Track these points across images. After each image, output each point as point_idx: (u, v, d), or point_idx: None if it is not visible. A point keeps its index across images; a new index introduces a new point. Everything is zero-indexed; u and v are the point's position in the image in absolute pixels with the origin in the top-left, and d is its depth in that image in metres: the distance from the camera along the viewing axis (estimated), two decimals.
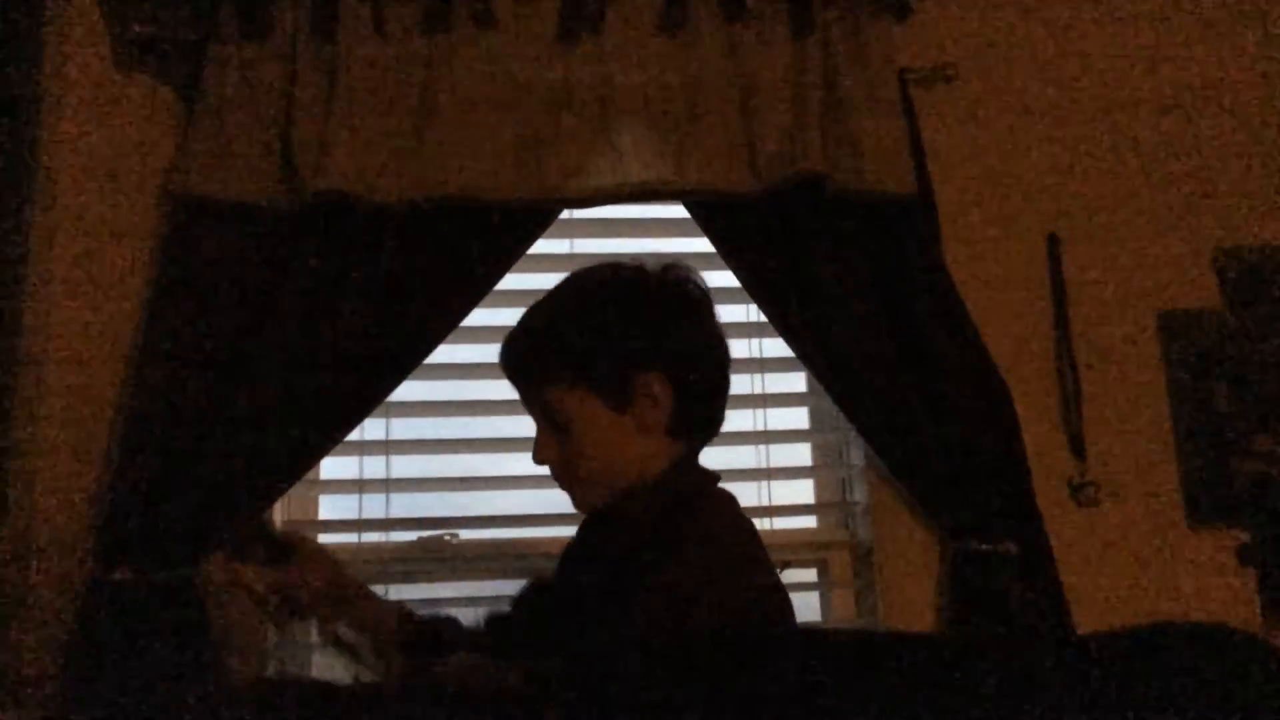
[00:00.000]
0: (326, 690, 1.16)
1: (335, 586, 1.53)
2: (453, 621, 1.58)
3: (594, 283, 1.37)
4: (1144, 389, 2.01)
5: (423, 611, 1.59)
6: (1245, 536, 1.95)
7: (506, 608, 1.54)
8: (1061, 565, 1.83)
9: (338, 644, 1.54)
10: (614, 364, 1.29)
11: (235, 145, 1.77)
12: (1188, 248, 2.08)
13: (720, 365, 1.37)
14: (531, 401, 1.36)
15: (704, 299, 1.37)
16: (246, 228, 1.77)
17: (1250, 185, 2.11)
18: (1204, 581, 1.93)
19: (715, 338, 1.36)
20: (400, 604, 1.61)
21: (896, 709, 0.64)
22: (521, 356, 1.36)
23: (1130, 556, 1.93)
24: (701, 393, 1.33)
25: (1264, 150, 2.13)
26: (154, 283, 1.77)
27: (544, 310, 1.37)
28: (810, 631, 1.44)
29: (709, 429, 1.38)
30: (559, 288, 1.39)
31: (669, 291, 1.34)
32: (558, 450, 1.33)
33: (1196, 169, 2.11)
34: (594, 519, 1.39)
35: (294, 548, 1.54)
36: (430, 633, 1.53)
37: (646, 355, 1.29)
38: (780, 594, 1.28)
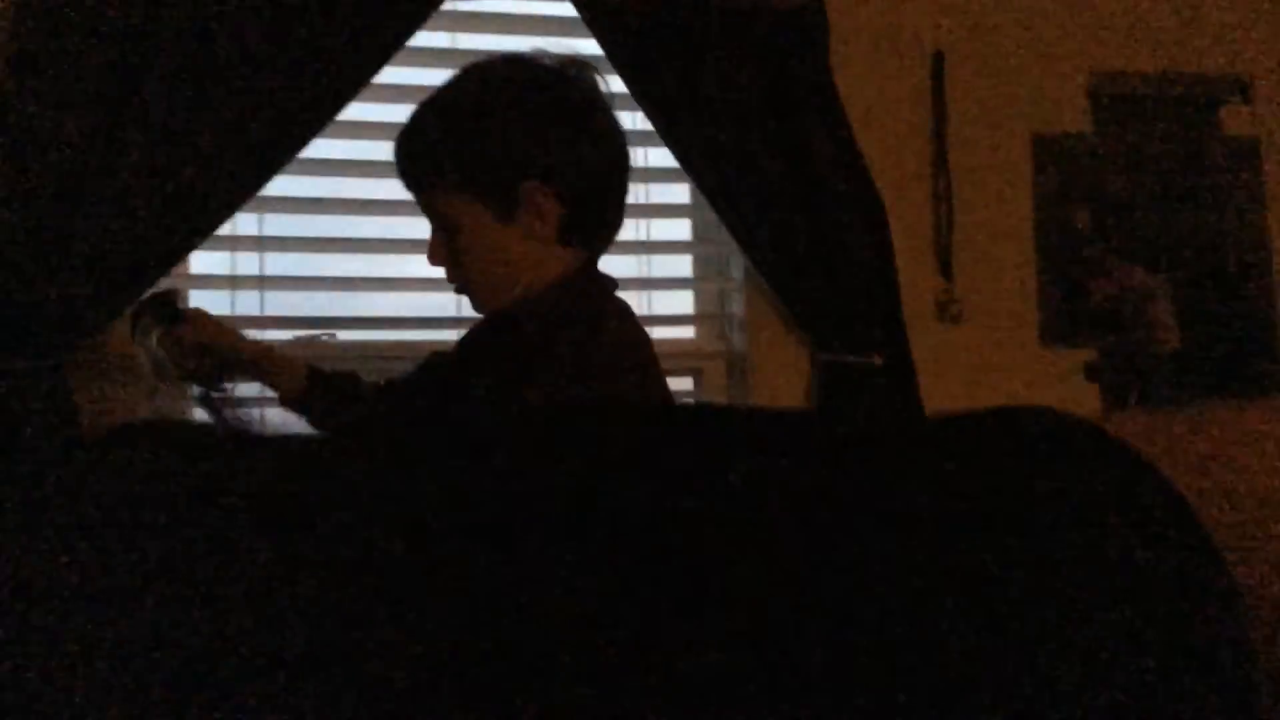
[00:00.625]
0: (199, 434, 1.15)
1: (241, 348, 1.51)
2: (354, 376, 1.57)
3: (483, 83, 1.31)
4: (1013, 211, 2.07)
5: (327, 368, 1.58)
6: (1093, 355, 2.07)
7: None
8: (923, 379, 1.92)
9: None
10: (498, 172, 1.25)
11: None
12: (1065, 73, 2.11)
13: (611, 173, 1.32)
14: (422, 204, 1.33)
15: (595, 102, 1.32)
16: (104, 6, 1.65)
17: (1128, 13, 2.14)
18: (1052, 396, 2.05)
19: (607, 144, 1.31)
20: (305, 361, 1.58)
21: (764, 475, 0.68)
22: (408, 158, 1.31)
23: (986, 371, 2.04)
24: (591, 202, 1.29)
25: None
26: (9, 59, 1.65)
27: (431, 110, 1.31)
28: (672, 407, 1.46)
29: (605, 236, 1.35)
30: (449, 84, 1.32)
31: (559, 95, 1.29)
32: (449, 254, 1.31)
33: None
34: (486, 324, 1.38)
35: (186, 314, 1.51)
36: (343, 387, 1.53)
37: (532, 163, 1.24)
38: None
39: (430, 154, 1.29)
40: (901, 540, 0.63)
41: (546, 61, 1.32)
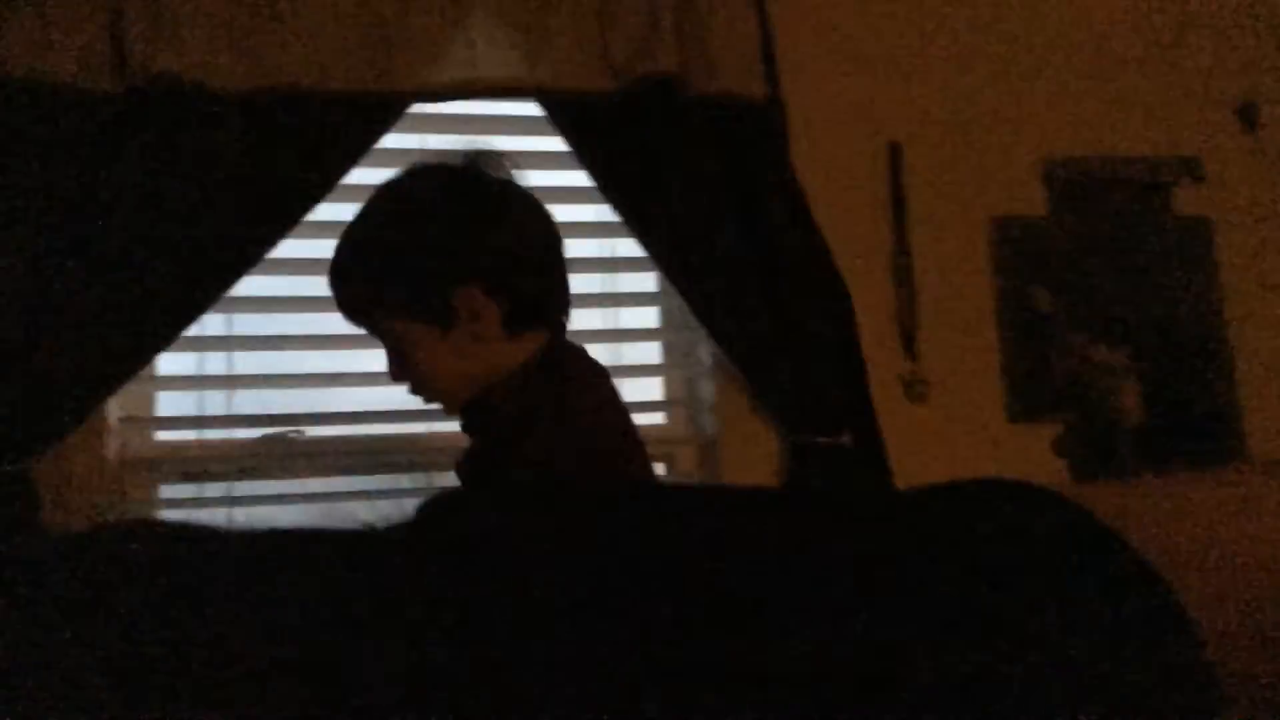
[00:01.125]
0: (178, 532, 1.13)
1: None
2: None
3: (394, 203, 1.29)
4: (974, 292, 2.11)
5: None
6: (1059, 430, 2.10)
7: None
8: (893, 458, 1.93)
9: None
10: (426, 289, 1.23)
11: (59, 24, 1.67)
12: (1020, 157, 2.17)
13: (541, 255, 1.29)
14: (367, 329, 1.31)
15: (507, 191, 1.29)
16: (73, 114, 1.68)
17: (1078, 99, 2.22)
18: (1021, 471, 2.05)
19: (529, 228, 1.28)
20: None
21: (739, 551, 0.67)
22: (341, 292, 1.29)
23: (955, 448, 2.05)
24: (528, 288, 1.26)
25: (1091, 65, 2.24)
26: None
27: (350, 242, 1.29)
28: (652, 485, 1.46)
29: (557, 311, 1.32)
30: (362, 212, 1.30)
31: (469, 194, 1.27)
32: (405, 371, 1.29)
33: (1030, 81, 2.20)
34: (465, 420, 1.36)
35: None
36: None
37: (458, 271, 1.22)
38: (639, 451, 1.32)
39: (358, 285, 1.27)
40: (869, 609, 0.64)
41: (452, 163, 1.30)
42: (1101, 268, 2.16)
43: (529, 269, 1.27)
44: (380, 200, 1.30)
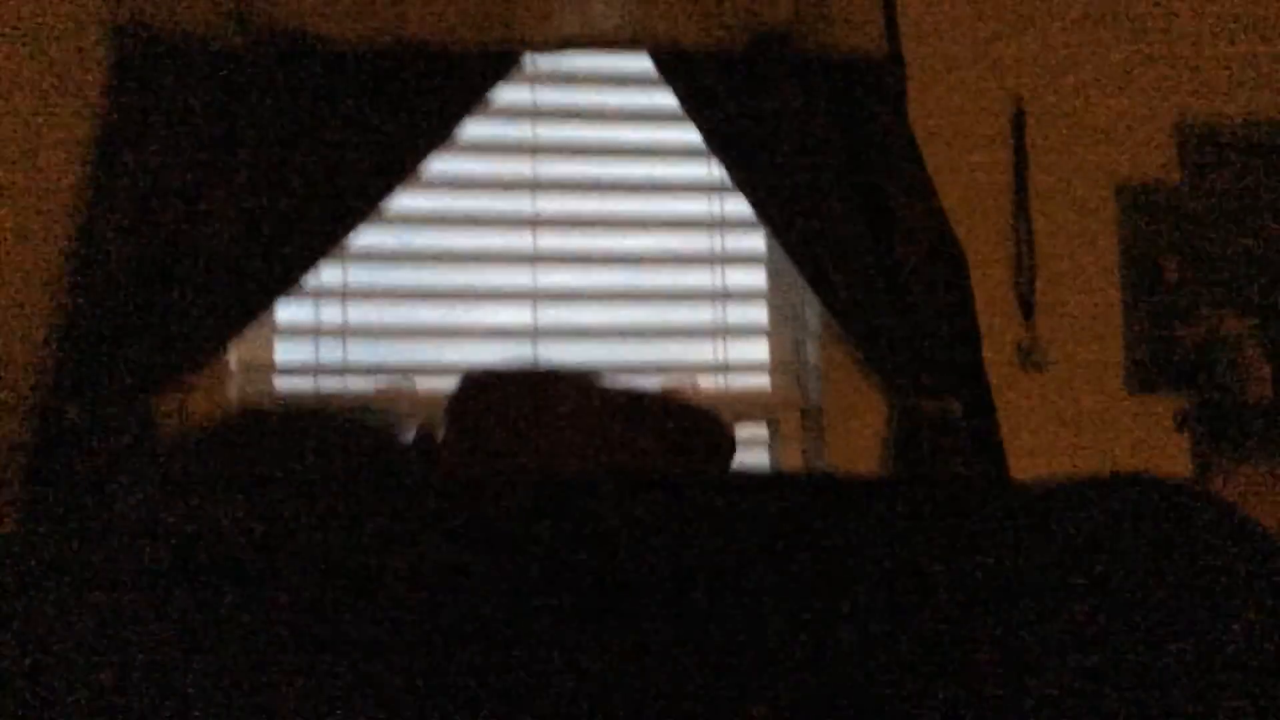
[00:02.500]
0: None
1: None
2: None
3: None
4: (1097, 258, 2.04)
5: None
6: (1182, 403, 2.02)
7: None
8: (1004, 427, 1.88)
9: None
10: None
11: None
12: (1149, 119, 2.08)
13: None
14: None
15: None
16: (196, 64, 1.72)
17: (1214, 59, 2.11)
18: (1140, 446, 2.00)
19: None
20: None
21: (838, 548, 0.67)
22: None
23: (1070, 420, 1.99)
24: None
25: (1229, 24, 2.12)
26: (103, 118, 1.73)
27: None
28: (750, 474, 1.46)
29: None
30: None
31: None
32: None
33: (1162, 40, 2.10)
34: None
35: None
36: None
37: None
38: None
39: None
40: (1011, 616, 0.62)
41: None
42: (1233, 236, 2.06)
43: None
44: None
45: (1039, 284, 2.00)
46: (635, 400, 1.38)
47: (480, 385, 1.33)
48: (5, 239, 1.74)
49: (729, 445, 1.53)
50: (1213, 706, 0.61)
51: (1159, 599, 0.65)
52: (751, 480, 1.02)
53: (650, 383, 2.00)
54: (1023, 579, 0.67)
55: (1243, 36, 2.12)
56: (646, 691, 0.63)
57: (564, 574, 0.68)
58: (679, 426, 1.41)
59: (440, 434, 1.35)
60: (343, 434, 1.14)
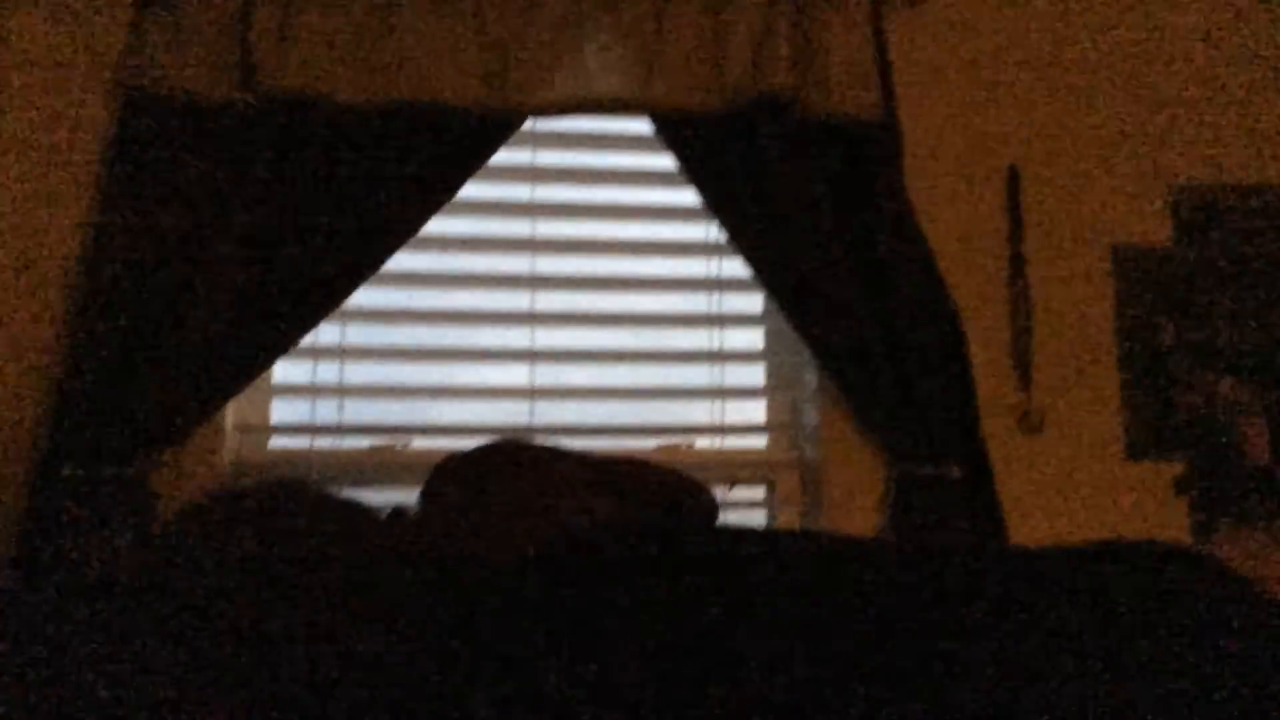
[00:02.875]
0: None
1: None
2: None
3: None
4: (1093, 322, 2.04)
5: None
6: (1181, 468, 2.01)
7: None
8: (1003, 492, 1.87)
9: None
10: None
11: (190, 38, 1.73)
12: (1145, 184, 2.10)
13: None
14: None
15: None
16: (200, 124, 1.74)
17: (1208, 124, 2.13)
18: (1139, 511, 1.99)
19: None
20: None
21: (837, 608, 0.66)
22: None
23: (1070, 485, 1.98)
24: None
25: (1222, 91, 2.15)
26: (106, 178, 1.73)
27: None
28: (752, 531, 1.45)
29: None
30: None
31: None
32: None
33: (1157, 106, 2.12)
34: None
35: None
36: None
37: None
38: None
39: None
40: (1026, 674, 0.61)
41: None
42: (1228, 300, 2.07)
43: None
44: None
45: (1036, 347, 2.00)
46: (613, 469, 1.38)
47: (450, 467, 1.37)
48: (6, 297, 1.74)
49: (711, 509, 1.53)
50: None
51: (1162, 658, 0.64)
52: (741, 537, 1.01)
53: (644, 444, 2.00)
54: (1021, 637, 0.66)
55: (1237, 104, 2.14)
56: None
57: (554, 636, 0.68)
58: (660, 492, 1.40)
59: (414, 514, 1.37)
60: (319, 511, 1.15)
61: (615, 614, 0.69)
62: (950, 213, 2.01)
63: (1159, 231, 2.08)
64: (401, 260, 1.84)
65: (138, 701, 0.66)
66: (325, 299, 1.75)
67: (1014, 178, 2.04)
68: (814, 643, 0.66)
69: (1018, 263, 2.02)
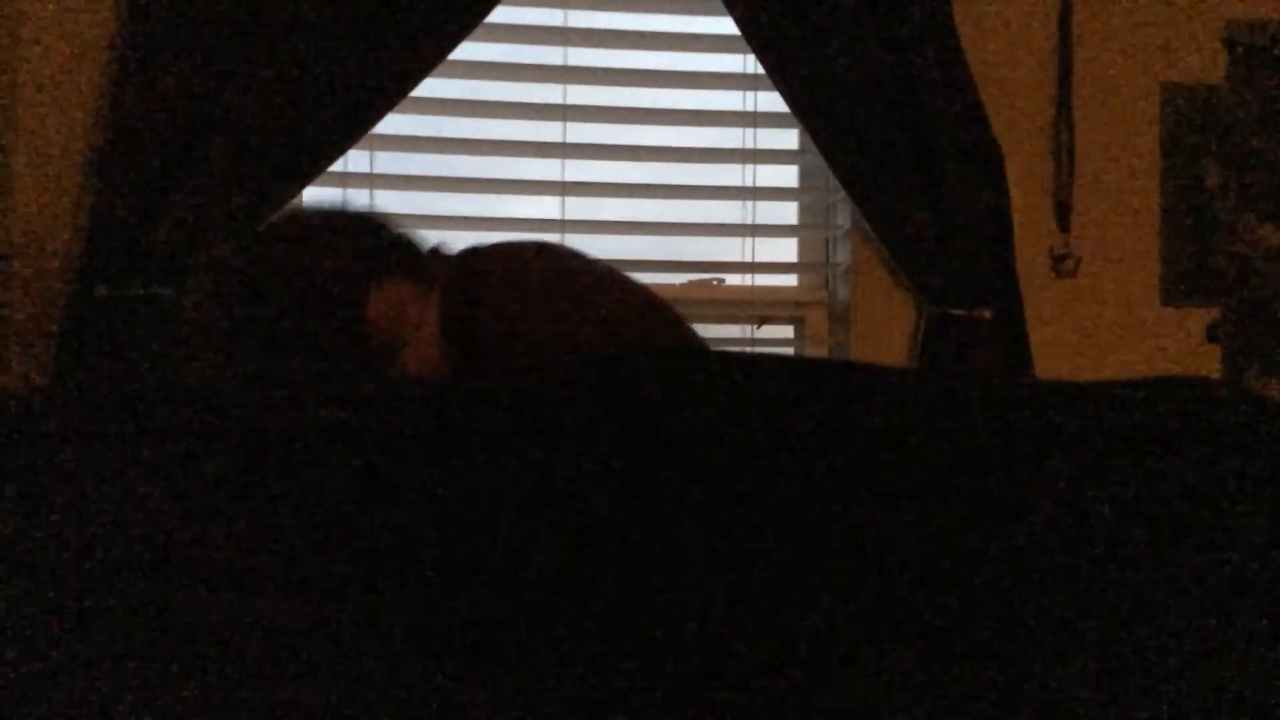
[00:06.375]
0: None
1: None
2: None
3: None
4: (1138, 162, 1.99)
5: None
6: (1215, 315, 1.99)
7: None
8: (1034, 335, 1.87)
9: None
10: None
11: None
12: (1200, 19, 2.01)
13: None
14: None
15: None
16: None
17: None
18: (1170, 356, 1.98)
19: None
20: None
21: (865, 437, 0.66)
22: None
23: (1101, 329, 1.97)
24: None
25: None
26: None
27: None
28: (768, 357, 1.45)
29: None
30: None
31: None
32: None
33: None
34: None
35: None
36: None
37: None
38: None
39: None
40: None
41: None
42: (1276, 145, 2.01)
43: None
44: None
45: (1077, 187, 1.96)
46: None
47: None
48: (33, 113, 1.73)
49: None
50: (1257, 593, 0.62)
51: (1198, 491, 0.65)
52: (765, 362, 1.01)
53: (674, 279, 1.99)
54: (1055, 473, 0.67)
55: None
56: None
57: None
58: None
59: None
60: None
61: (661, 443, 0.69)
62: (998, 44, 1.94)
63: (1213, 71, 2.00)
64: (432, 86, 1.80)
65: (155, 501, 0.68)
66: (354, 124, 1.72)
67: (1065, 9, 1.96)
68: (840, 461, 0.67)
69: (1064, 99, 1.96)
